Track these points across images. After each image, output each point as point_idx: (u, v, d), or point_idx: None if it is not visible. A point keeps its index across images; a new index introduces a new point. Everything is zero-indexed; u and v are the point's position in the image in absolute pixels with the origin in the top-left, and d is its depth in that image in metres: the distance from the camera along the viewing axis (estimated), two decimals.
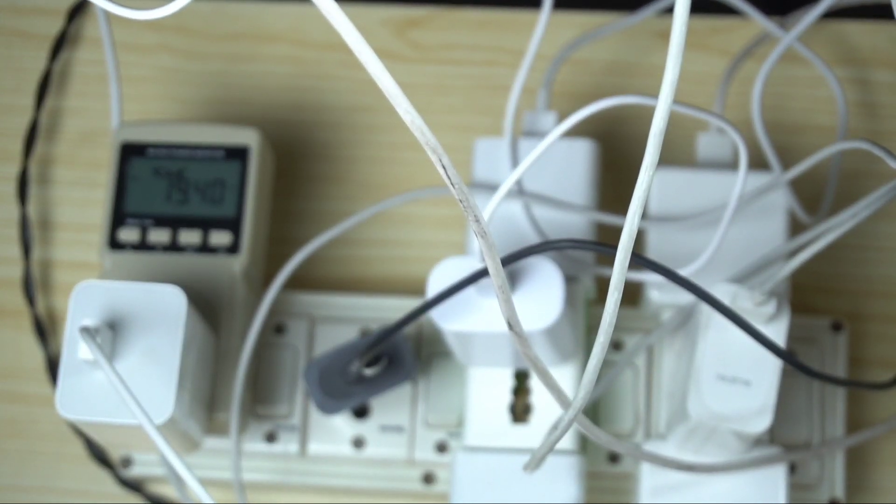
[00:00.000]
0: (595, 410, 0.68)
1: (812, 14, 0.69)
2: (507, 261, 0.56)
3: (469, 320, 0.60)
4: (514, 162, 0.68)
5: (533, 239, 0.67)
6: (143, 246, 0.67)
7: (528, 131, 0.70)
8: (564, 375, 0.65)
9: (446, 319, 0.60)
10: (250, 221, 0.67)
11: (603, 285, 0.65)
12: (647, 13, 0.74)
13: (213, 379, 0.65)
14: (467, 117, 0.75)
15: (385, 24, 0.77)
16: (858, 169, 0.73)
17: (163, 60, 0.77)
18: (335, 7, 0.34)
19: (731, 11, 0.75)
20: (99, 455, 0.71)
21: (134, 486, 0.71)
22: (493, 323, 0.59)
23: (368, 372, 0.64)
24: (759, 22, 0.73)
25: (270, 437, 0.69)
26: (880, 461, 0.70)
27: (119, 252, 0.67)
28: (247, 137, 0.69)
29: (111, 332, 0.58)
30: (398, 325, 0.60)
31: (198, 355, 0.62)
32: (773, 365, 0.59)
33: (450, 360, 0.68)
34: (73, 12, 0.77)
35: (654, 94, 0.44)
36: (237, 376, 0.65)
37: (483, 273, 0.57)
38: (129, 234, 0.67)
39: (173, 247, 0.67)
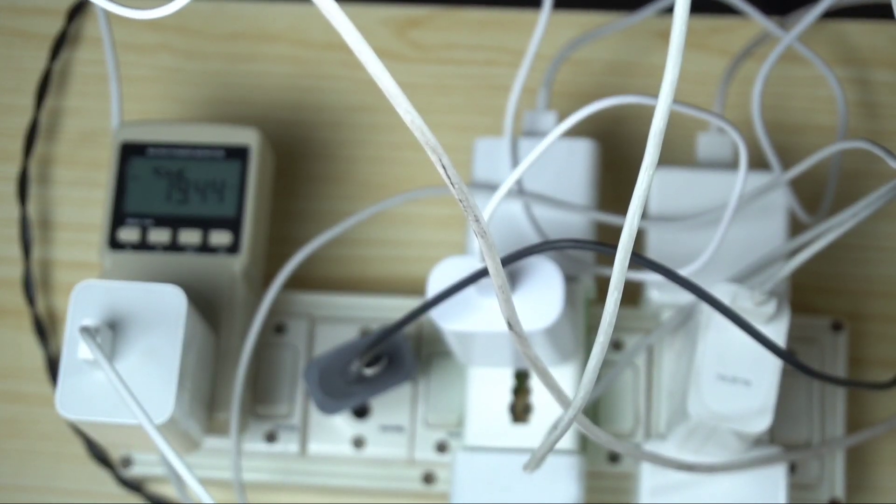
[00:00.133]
0: (595, 410, 0.68)
1: (812, 14, 0.69)
2: (507, 261, 0.56)
3: (469, 320, 0.60)
4: (514, 162, 0.68)
5: (533, 239, 0.67)
6: (143, 246, 0.67)
7: (528, 131, 0.70)
8: (564, 375, 0.65)
9: (446, 319, 0.60)
10: (250, 221, 0.67)
11: (603, 285, 0.65)
12: (647, 13, 0.74)
13: (213, 379, 0.65)
14: (467, 117, 0.75)
15: (385, 24, 0.77)
16: (858, 169, 0.73)
17: (163, 60, 0.77)
18: (335, 7, 0.34)
19: (731, 11, 0.75)
20: (99, 455, 0.71)
21: (134, 486, 0.71)
22: (493, 323, 0.59)
23: (368, 372, 0.64)
24: (759, 22, 0.73)
25: (270, 437, 0.69)
26: (880, 461, 0.70)
27: (119, 252, 0.67)
28: (247, 137, 0.69)
29: (111, 332, 0.58)
30: (398, 325, 0.60)
31: (198, 355, 0.62)
32: (773, 365, 0.59)
33: (450, 360, 0.68)
34: (73, 12, 0.77)
35: (654, 94, 0.44)
36: (237, 376, 0.65)
37: (483, 273, 0.57)
38: (129, 234, 0.67)
39: (173, 247, 0.67)
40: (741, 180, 0.61)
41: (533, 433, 0.65)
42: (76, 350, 0.58)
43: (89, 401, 0.58)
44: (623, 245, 0.41)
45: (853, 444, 0.67)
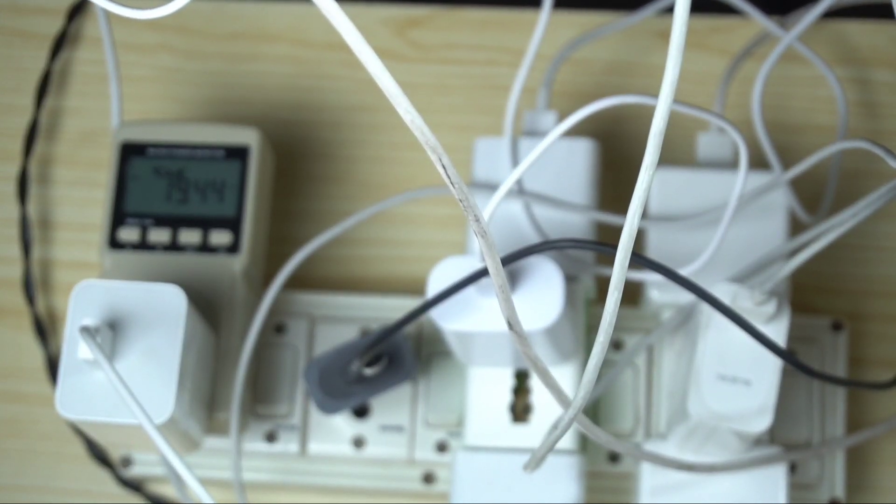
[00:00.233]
0: (595, 410, 0.68)
1: (812, 14, 0.69)
2: (507, 260, 0.56)
3: (469, 320, 0.60)
4: (514, 161, 0.68)
5: (533, 238, 0.67)
6: (143, 245, 0.67)
7: (529, 131, 0.70)
8: (564, 375, 0.65)
9: (446, 319, 0.60)
10: (250, 221, 0.67)
11: (603, 285, 0.65)
12: (647, 13, 0.74)
13: (213, 379, 0.65)
14: (467, 117, 0.75)
15: (385, 24, 0.77)
16: (858, 168, 0.73)
17: (163, 60, 0.77)
18: (335, 7, 0.34)
19: (731, 11, 0.75)
20: (99, 455, 0.71)
21: (134, 485, 0.71)
22: (493, 323, 0.59)
23: (368, 372, 0.64)
24: (760, 21, 0.73)
25: (270, 437, 0.69)
26: (880, 461, 0.70)
27: (119, 252, 0.67)
28: (247, 137, 0.69)
29: (111, 332, 0.58)
30: (398, 325, 0.60)
31: (198, 355, 0.62)
32: (774, 365, 0.59)
33: (450, 360, 0.68)
34: (73, 12, 0.77)
35: (654, 94, 0.44)
36: (237, 376, 0.65)
37: (483, 273, 0.57)
38: (129, 234, 0.67)
39: (173, 246, 0.67)
40: (741, 180, 0.61)
41: (533, 433, 0.65)
42: (76, 350, 0.58)
43: (89, 401, 0.58)
44: (623, 245, 0.41)
45: (853, 444, 0.67)
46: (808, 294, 0.72)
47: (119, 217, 0.68)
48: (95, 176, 0.75)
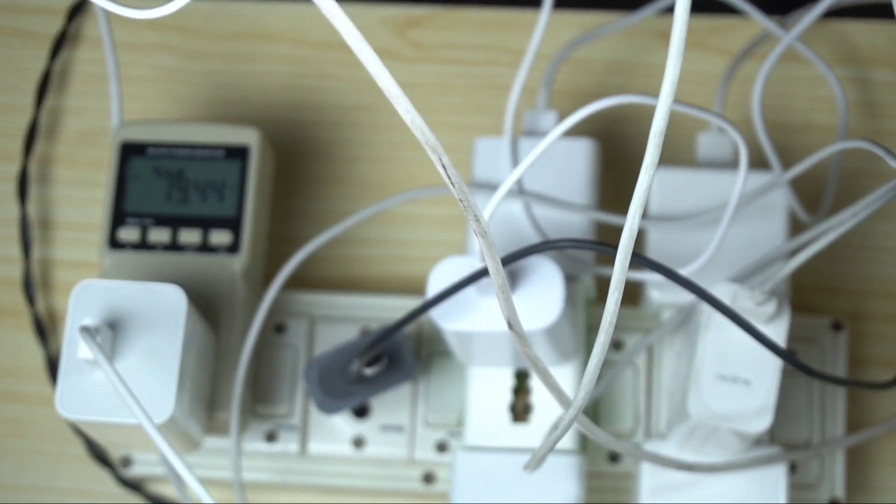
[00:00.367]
0: (595, 410, 0.68)
1: (812, 14, 0.69)
2: (507, 260, 0.56)
3: (469, 320, 0.60)
4: (515, 161, 0.68)
5: (533, 238, 0.67)
6: (143, 245, 0.67)
7: (529, 131, 0.70)
8: (564, 375, 0.65)
9: (446, 319, 0.60)
10: (250, 221, 0.67)
11: (603, 285, 0.65)
12: (647, 13, 0.74)
13: (213, 378, 0.65)
14: (467, 117, 0.75)
15: (385, 24, 0.77)
16: (858, 168, 0.73)
17: (163, 60, 0.77)
18: (335, 6, 0.34)
19: (731, 11, 0.75)
20: (99, 455, 0.71)
21: (134, 485, 0.71)
22: (493, 322, 0.59)
23: (368, 371, 0.64)
24: (760, 21, 0.73)
25: (270, 437, 0.69)
26: (880, 461, 0.70)
27: (119, 251, 0.67)
28: (247, 137, 0.69)
29: (111, 332, 0.58)
30: (398, 325, 0.60)
31: (198, 355, 0.62)
32: (774, 364, 0.59)
33: (450, 360, 0.68)
34: (73, 12, 0.77)
35: (654, 94, 0.44)
36: (237, 376, 0.65)
37: (483, 273, 0.57)
38: (129, 234, 0.67)
39: (173, 246, 0.67)
40: (741, 180, 0.61)
41: (533, 433, 0.65)
42: (76, 350, 0.58)
43: (89, 401, 0.58)
44: (623, 245, 0.41)
45: (853, 443, 0.67)
46: (808, 294, 0.72)
47: (119, 217, 0.68)
48: (95, 176, 0.75)
